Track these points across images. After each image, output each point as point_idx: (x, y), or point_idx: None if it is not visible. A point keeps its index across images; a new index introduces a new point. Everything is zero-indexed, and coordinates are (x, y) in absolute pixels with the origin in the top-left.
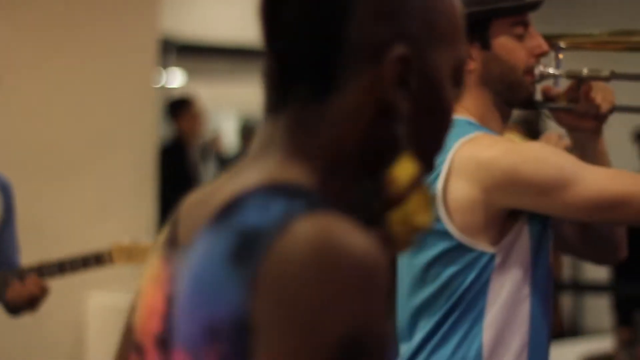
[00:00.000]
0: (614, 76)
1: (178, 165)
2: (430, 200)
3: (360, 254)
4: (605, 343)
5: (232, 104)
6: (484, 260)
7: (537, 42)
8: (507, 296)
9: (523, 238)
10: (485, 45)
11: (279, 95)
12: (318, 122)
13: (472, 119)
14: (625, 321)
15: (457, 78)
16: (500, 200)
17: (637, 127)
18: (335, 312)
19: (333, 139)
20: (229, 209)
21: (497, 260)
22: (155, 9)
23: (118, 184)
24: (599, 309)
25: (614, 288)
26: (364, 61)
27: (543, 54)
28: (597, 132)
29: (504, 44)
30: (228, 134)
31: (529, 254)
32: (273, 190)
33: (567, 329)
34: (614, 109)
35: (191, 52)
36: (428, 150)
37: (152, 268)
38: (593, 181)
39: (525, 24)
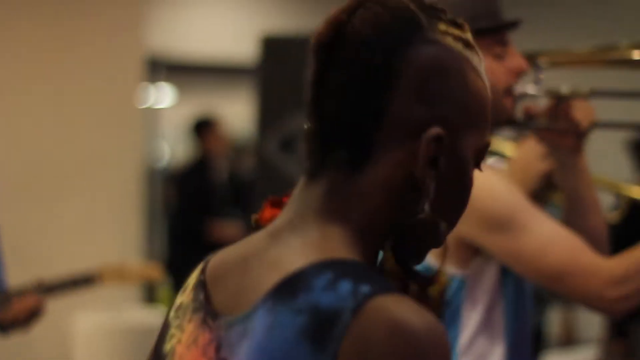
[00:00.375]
0: (593, 93)
1: (200, 185)
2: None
3: (430, 331)
4: (598, 354)
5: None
6: (454, 285)
7: (516, 61)
8: (479, 320)
9: (492, 261)
10: None
11: (318, 160)
12: (353, 192)
13: None
14: (619, 333)
15: (479, 160)
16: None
17: (629, 136)
18: None
19: (366, 209)
20: (292, 285)
21: (468, 284)
22: (140, 28)
23: (103, 205)
24: (592, 320)
25: None
26: (401, 137)
27: (523, 73)
28: (577, 149)
29: None
30: None
31: (498, 275)
32: (333, 268)
33: (561, 340)
34: (595, 126)
35: (181, 71)
36: (452, 225)
37: (187, 332)
38: (535, 240)
39: (504, 43)
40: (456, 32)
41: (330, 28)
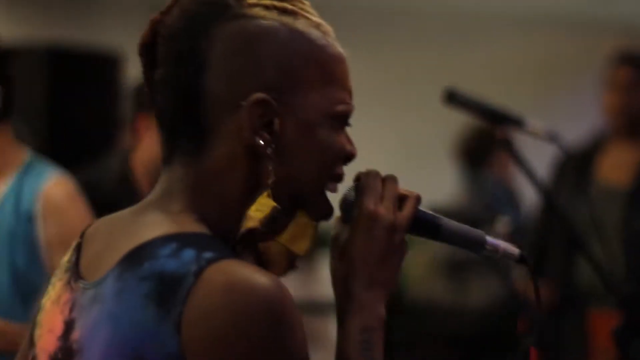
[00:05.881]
0: None
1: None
2: (310, 229)
3: (268, 291)
4: None
5: None
6: None
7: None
8: None
9: None
10: None
11: (168, 148)
12: (203, 171)
13: None
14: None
15: (340, 121)
16: None
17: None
18: (258, 345)
19: (218, 185)
20: (140, 254)
21: None
22: None
23: None
24: None
25: None
26: (227, 112)
27: None
28: None
29: None
30: None
31: None
32: (179, 239)
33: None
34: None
35: None
36: (310, 187)
37: (55, 289)
38: None
39: None
40: (267, 1)
41: (149, 29)
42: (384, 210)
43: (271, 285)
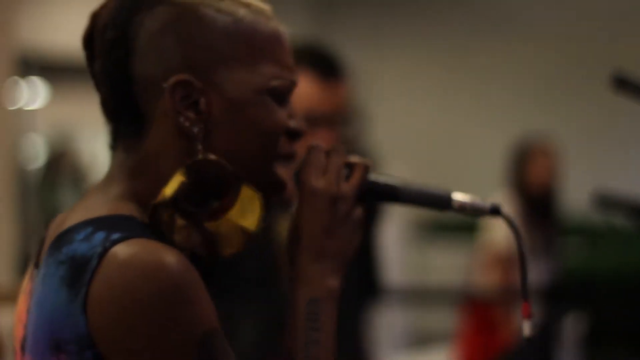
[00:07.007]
0: None
1: None
2: (256, 204)
3: (163, 266)
4: None
5: (100, 123)
6: None
7: None
8: None
9: None
10: None
11: (112, 136)
12: (140, 154)
13: None
14: None
15: (276, 96)
16: None
17: None
18: (153, 320)
19: (154, 166)
20: (61, 239)
21: None
22: (9, 24)
23: None
24: None
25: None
26: (155, 96)
27: None
28: None
29: None
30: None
31: None
32: (96, 223)
33: None
34: None
35: (56, 69)
36: (251, 165)
37: (25, 282)
38: None
39: None
40: None
41: (89, 23)
42: (324, 182)
43: (169, 261)
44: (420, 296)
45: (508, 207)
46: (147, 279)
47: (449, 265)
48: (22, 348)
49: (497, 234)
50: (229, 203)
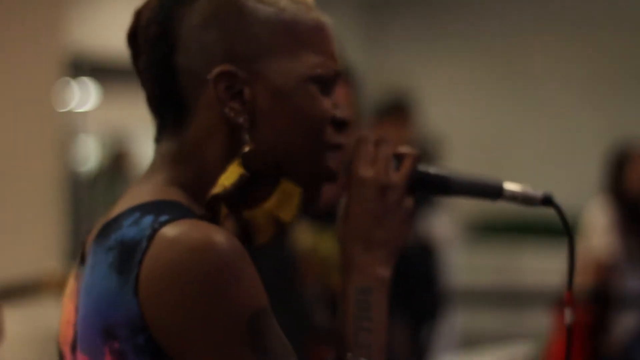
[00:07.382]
0: None
1: None
2: (294, 197)
3: (212, 245)
4: None
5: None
6: None
7: None
8: None
9: None
10: None
11: (158, 129)
12: (183, 146)
13: None
14: None
15: (321, 85)
16: None
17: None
18: (201, 297)
19: (199, 155)
20: (109, 227)
21: None
22: (59, 26)
23: (22, 212)
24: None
25: None
26: (200, 87)
27: None
28: None
29: None
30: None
31: None
32: (143, 208)
33: None
34: None
35: (106, 71)
36: (296, 154)
37: (69, 285)
38: None
39: None
40: None
41: (132, 21)
42: (373, 172)
43: (218, 239)
44: (513, 298)
45: (605, 213)
46: (196, 256)
47: (543, 269)
48: (73, 348)
49: (596, 240)
50: (266, 193)
